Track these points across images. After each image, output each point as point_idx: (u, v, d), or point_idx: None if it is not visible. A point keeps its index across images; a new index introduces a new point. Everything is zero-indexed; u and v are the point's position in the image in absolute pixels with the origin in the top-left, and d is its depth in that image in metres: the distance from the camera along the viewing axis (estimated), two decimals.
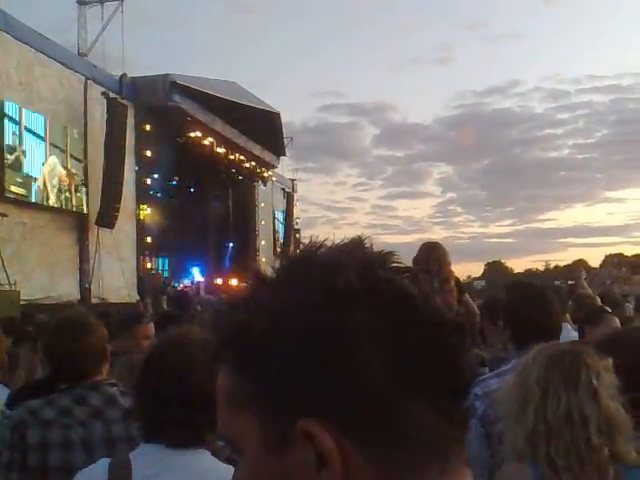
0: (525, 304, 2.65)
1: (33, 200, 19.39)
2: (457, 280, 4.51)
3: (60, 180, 20.68)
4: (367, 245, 0.70)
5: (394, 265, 0.68)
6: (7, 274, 17.34)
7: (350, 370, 0.61)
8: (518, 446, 1.80)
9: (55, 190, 20.43)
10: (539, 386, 1.78)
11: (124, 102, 22.66)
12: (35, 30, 19.99)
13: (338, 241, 0.71)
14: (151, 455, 1.85)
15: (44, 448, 2.31)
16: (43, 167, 20.02)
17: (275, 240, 41.37)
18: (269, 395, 0.63)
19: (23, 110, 18.91)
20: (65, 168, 21.01)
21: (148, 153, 24.85)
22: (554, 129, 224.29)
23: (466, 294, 4.53)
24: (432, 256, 4.32)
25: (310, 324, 0.62)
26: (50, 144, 20.24)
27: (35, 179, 19.51)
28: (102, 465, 1.88)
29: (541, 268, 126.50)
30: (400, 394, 0.61)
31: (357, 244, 0.70)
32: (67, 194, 21.04)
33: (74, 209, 21.40)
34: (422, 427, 0.62)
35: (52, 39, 20.95)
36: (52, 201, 20.22)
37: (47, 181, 20.10)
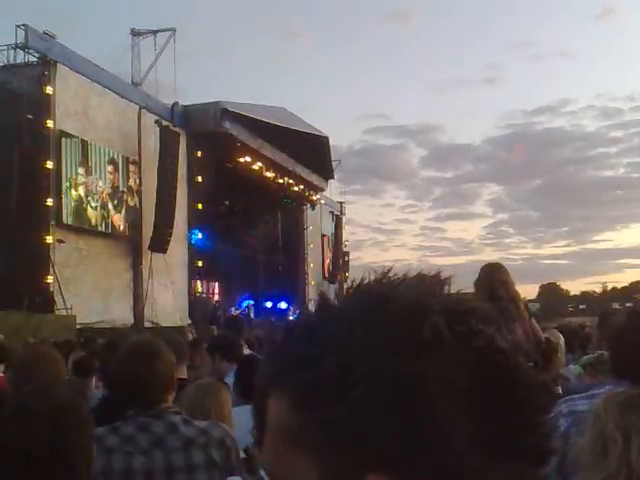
0: (634, 337, 2.57)
1: (91, 227, 19.91)
2: (525, 303, 4.40)
3: (114, 205, 21.19)
4: (446, 283, 0.65)
5: (482, 314, 0.62)
6: (64, 299, 17.78)
7: (432, 427, 0.56)
8: None
9: (114, 216, 20.95)
10: (619, 431, 1.78)
11: (176, 130, 23.18)
12: (90, 61, 20.68)
13: (412, 274, 0.66)
14: None
15: (107, 476, 2.32)
16: (98, 192, 20.56)
17: (324, 263, 41.37)
18: (337, 440, 0.57)
19: (80, 140, 19.51)
20: (122, 194, 21.53)
21: (199, 179, 25.30)
22: (607, 147, 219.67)
23: (532, 318, 4.40)
24: (495, 277, 4.24)
25: (392, 371, 0.57)
26: (107, 172, 20.80)
27: (93, 206, 20.04)
28: None
29: (598, 290, 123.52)
30: (480, 457, 0.57)
31: (437, 282, 0.65)
32: (118, 218, 21.53)
33: (127, 233, 21.89)
34: None
35: (107, 69, 21.64)
36: (112, 228, 20.74)
37: (105, 208, 20.62)
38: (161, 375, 2.45)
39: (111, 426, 2.42)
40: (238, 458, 2.48)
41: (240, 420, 2.90)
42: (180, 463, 2.38)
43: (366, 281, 0.66)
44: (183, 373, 3.99)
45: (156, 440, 2.38)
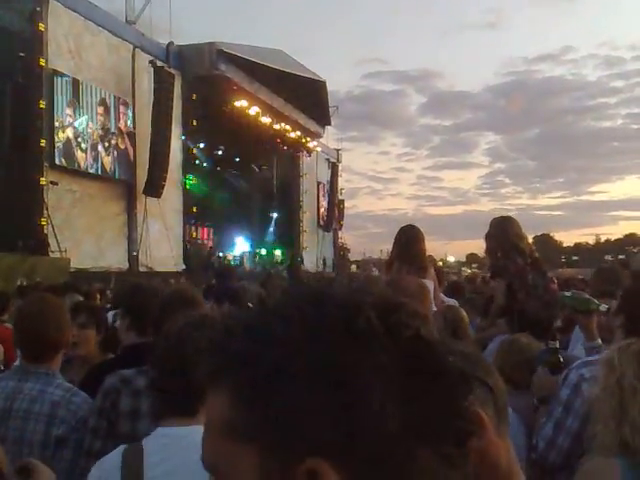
0: None
1: (81, 169, 19.69)
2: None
3: (104, 148, 20.94)
4: (380, 284, 0.65)
5: (412, 309, 0.67)
6: (58, 241, 17.70)
7: (365, 412, 0.60)
8: (606, 442, 1.77)
9: (105, 158, 20.71)
10: (638, 381, 1.77)
11: (171, 71, 22.71)
12: None
13: (347, 279, 0.65)
14: (163, 437, 1.88)
15: (134, 416, 2.38)
16: (93, 136, 20.27)
17: (319, 211, 41.29)
18: (276, 430, 0.60)
19: (72, 79, 19.11)
20: (112, 136, 21.24)
21: (194, 122, 24.94)
22: (608, 98, 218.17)
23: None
24: (514, 231, 4.29)
25: (328, 361, 0.61)
26: (97, 113, 20.46)
27: (83, 149, 19.78)
28: (116, 453, 1.90)
29: (591, 242, 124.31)
30: (409, 440, 0.61)
31: (372, 282, 0.66)
32: (109, 160, 21.29)
33: (124, 178, 21.69)
34: (427, 472, 0.62)
35: (100, 7, 21.02)
36: (102, 170, 20.52)
37: (95, 150, 20.37)
38: None
39: (139, 369, 2.44)
40: None
41: None
42: None
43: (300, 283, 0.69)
44: None
45: None
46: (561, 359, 2.74)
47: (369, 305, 0.64)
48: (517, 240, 4.29)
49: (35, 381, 2.59)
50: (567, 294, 3.20)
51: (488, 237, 4.45)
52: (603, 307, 3.05)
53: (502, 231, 4.33)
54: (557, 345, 2.79)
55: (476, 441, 1.11)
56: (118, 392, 2.40)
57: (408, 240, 4.39)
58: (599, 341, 3.00)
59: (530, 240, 4.64)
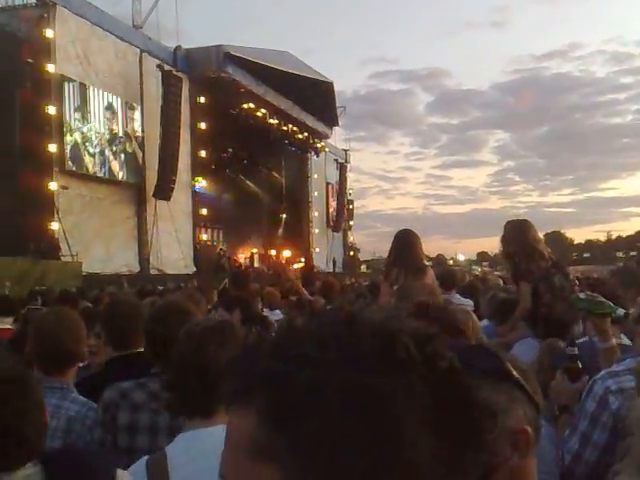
0: None
1: (90, 173, 19.79)
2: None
3: (112, 152, 21.04)
4: (409, 310, 0.67)
5: (444, 339, 0.66)
6: (69, 245, 17.81)
7: (397, 441, 0.59)
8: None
9: (113, 162, 20.82)
10: None
11: (179, 74, 22.80)
12: (90, 2, 20.19)
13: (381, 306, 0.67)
14: (184, 441, 1.87)
15: (132, 431, 2.35)
16: (101, 140, 20.38)
17: (328, 212, 41.29)
18: (305, 454, 0.59)
19: (80, 84, 19.22)
20: (120, 140, 21.34)
21: (202, 125, 25.02)
22: (617, 94, 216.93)
23: None
24: (532, 234, 4.27)
25: (363, 387, 0.59)
26: (106, 118, 20.57)
27: (91, 153, 19.89)
28: (140, 463, 1.88)
29: (602, 239, 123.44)
30: (438, 472, 0.60)
31: (401, 309, 0.66)
32: (117, 164, 21.40)
33: (132, 182, 21.79)
34: None
35: (107, 12, 21.14)
36: (110, 174, 20.63)
37: (103, 154, 20.48)
38: None
39: (137, 382, 2.43)
40: None
41: None
42: None
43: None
44: None
45: None
46: (580, 366, 2.66)
47: (405, 333, 0.63)
48: (536, 243, 4.28)
49: (51, 396, 2.52)
50: (581, 296, 3.09)
51: (505, 241, 4.43)
52: (620, 311, 2.98)
53: (520, 234, 4.32)
54: (576, 351, 2.71)
55: (517, 459, 1.12)
56: (117, 406, 2.38)
57: (404, 245, 4.41)
58: (614, 341, 2.94)
59: (542, 238, 4.63)
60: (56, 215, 17.83)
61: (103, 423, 2.37)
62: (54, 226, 17.81)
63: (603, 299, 3.08)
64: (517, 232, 4.34)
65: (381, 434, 0.58)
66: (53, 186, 17.91)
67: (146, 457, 1.90)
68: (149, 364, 2.50)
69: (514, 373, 1.08)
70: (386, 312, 0.67)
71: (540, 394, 1.17)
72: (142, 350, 2.72)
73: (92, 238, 19.46)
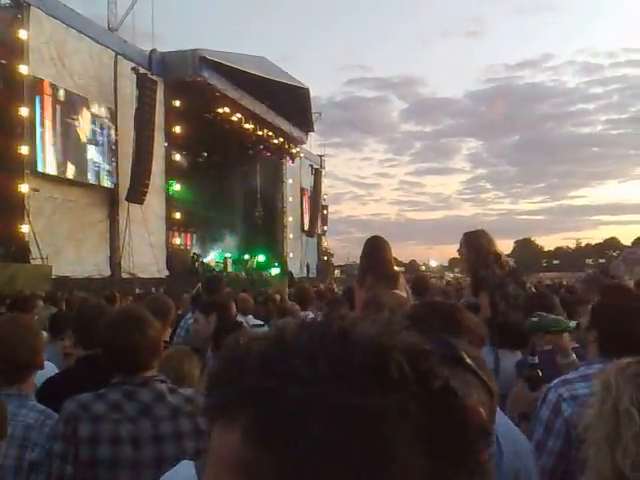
0: (621, 314, 2.51)
1: (62, 175, 19.59)
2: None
3: (85, 153, 20.86)
4: (403, 326, 0.65)
5: (438, 357, 0.64)
6: (39, 248, 17.60)
7: (390, 462, 0.57)
8: (599, 467, 1.72)
9: (80, 163, 20.64)
10: (635, 407, 1.69)
11: (154, 78, 22.68)
12: (65, 4, 20.02)
13: (371, 318, 0.66)
14: None
15: (94, 442, 2.33)
16: (70, 140, 20.20)
17: (303, 217, 41.33)
18: (290, 474, 0.56)
19: (55, 86, 19.04)
20: (93, 143, 21.17)
21: (177, 129, 24.91)
22: (587, 104, 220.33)
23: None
24: (492, 244, 4.31)
25: (354, 407, 0.57)
26: (79, 120, 20.39)
27: (63, 155, 19.70)
28: (186, 467, 1.81)
29: (572, 246, 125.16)
30: None
31: (396, 324, 0.66)
32: (90, 167, 21.22)
33: (99, 183, 21.58)
34: None
35: (82, 14, 20.97)
36: (81, 176, 20.45)
37: (72, 154, 20.29)
38: (152, 340, 2.47)
39: (97, 393, 2.41)
40: None
41: None
42: (168, 431, 2.39)
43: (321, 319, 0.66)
44: (166, 336, 4.02)
45: (143, 408, 2.39)
46: (540, 374, 2.70)
47: (399, 350, 0.60)
48: (491, 252, 4.31)
49: (8, 403, 2.46)
50: (534, 319, 3.07)
51: (465, 251, 4.45)
52: (572, 324, 3.05)
53: (478, 244, 4.36)
54: (537, 360, 2.74)
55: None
56: (77, 418, 2.35)
57: (372, 250, 4.40)
58: (574, 356, 3.00)
59: (511, 245, 4.66)
60: (26, 218, 17.61)
61: (64, 436, 2.34)
62: (24, 229, 17.59)
63: (555, 316, 3.15)
64: (475, 242, 4.38)
65: (371, 456, 0.56)
66: (24, 188, 17.69)
67: (189, 461, 1.84)
68: (109, 374, 2.49)
69: (467, 359, 1.09)
70: (379, 326, 0.64)
71: (494, 381, 1.19)
72: None
73: (63, 241, 19.24)
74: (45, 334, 4.35)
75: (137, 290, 12.36)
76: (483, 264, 4.33)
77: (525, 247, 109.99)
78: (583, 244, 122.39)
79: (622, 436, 1.69)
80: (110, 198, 22.06)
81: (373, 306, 3.11)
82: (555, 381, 2.52)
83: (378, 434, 0.57)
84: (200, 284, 8.84)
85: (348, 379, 0.58)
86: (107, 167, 21.78)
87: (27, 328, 2.70)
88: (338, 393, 0.57)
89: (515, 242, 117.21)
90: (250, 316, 7.10)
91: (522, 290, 4.30)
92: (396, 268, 4.72)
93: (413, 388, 0.59)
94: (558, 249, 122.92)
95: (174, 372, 2.85)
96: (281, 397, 0.57)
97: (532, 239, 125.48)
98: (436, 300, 2.59)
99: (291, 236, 38.86)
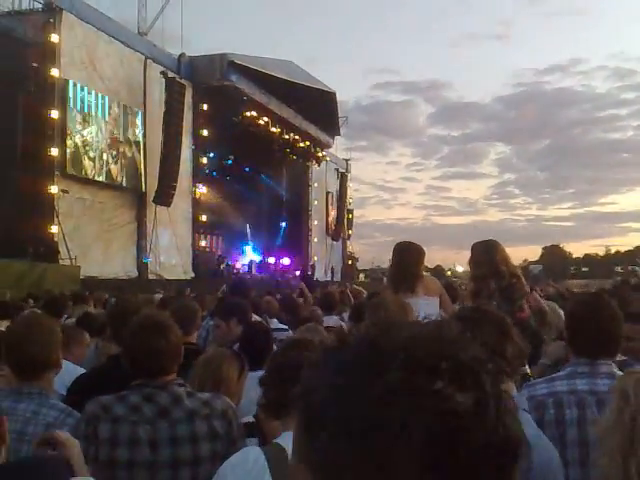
0: (590, 315, 2.53)
1: (90, 177, 19.86)
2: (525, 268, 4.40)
3: (116, 158, 21.12)
4: (442, 331, 0.68)
5: (451, 372, 0.64)
6: (68, 249, 17.85)
7: (387, 474, 0.61)
8: (611, 476, 1.69)
9: (112, 167, 20.89)
10: None
11: (182, 82, 22.91)
12: (96, 9, 20.32)
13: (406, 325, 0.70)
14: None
15: (113, 443, 2.39)
16: (101, 145, 20.47)
17: (328, 220, 41.35)
18: (320, 460, 0.64)
19: (86, 90, 19.33)
20: (120, 145, 21.43)
21: (204, 132, 25.12)
22: (618, 109, 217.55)
23: (532, 291, 4.40)
24: (495, 255, 4.21)
25: (359, 417, 0.62)
26: (109, 123, 20.66)
27: (93, 158, 19.97)
28: (254, 453, 1.86)
29: (601, 253, 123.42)
30: None
31: (431, 331, 0.69)
32: (116, 169, 21.46)
33: (131, 186, 21.84)
34: None
35: (113, 18, 21.27)
36: (109, 178, 20.71)
37: (102, 158, 20.55)
38: (173, 345, 2.52)
39: (118, 395, 2.46)
40: (239, 429, 2.53)
41: (247, 387, 2.91)
42: (184, 434, 2.43)
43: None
44: (194, 338, 4.05)
45: (161, 411, 2.44)
46: None
47: (423, 361, 0.63)
48: (500, 264, 4.19)
49: (29, 402, 2.51)
50: None
51: (475, 264, 4.34)
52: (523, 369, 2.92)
53: (477, 256, 4.27)
54: (528, 370, 2.78)
55: None
56: (98, 419, 2.41)
57: (397, 254, 4.39)
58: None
59: (539, 251, 4.52)
60: (56, 219, 17.88)
61: (85, 436, 2.37)
62: (54, 229, 17.86)
63: None
64: (483, 253, 4.27)
65: (369, 462, 0.61)
66: (54, 190, 17.97)
67: (255, 448, 1.89)
68: (130, 377, 2.53)
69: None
70: (406, 335, 0.67)
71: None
72: None
73: (91, 242, 19.50)
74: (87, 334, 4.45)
75: (156, 292, 12.42)
76: (480, 276, 4.26)
77: (553, 254, 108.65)
78: (612, 251, 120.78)
79: (636, 447, 1.67)
80: (138, 200, 22.31)
81: (373, 309, 3.18)
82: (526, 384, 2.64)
83: (375, 443, 0.61)
84: (225, 286, 8.88)
85: (358, 389, 0.64)
86: (133, 169, 22.02)
87: (41, 326, 2.69)
88: (345, 403, 0.64)
89: (543, 248, 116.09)
90: (275, 319, 7.10)
91: (508, 306, 4.02)
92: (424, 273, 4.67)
93: (415, 403, 0.61)
94: (587, 256, 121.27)
95: (212, 375, 2.87)
96: (314, 396, 0.66)
97: (561, 245, 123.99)
98: (488, 307, 2.60)
99: (316, 240, 38.90)
